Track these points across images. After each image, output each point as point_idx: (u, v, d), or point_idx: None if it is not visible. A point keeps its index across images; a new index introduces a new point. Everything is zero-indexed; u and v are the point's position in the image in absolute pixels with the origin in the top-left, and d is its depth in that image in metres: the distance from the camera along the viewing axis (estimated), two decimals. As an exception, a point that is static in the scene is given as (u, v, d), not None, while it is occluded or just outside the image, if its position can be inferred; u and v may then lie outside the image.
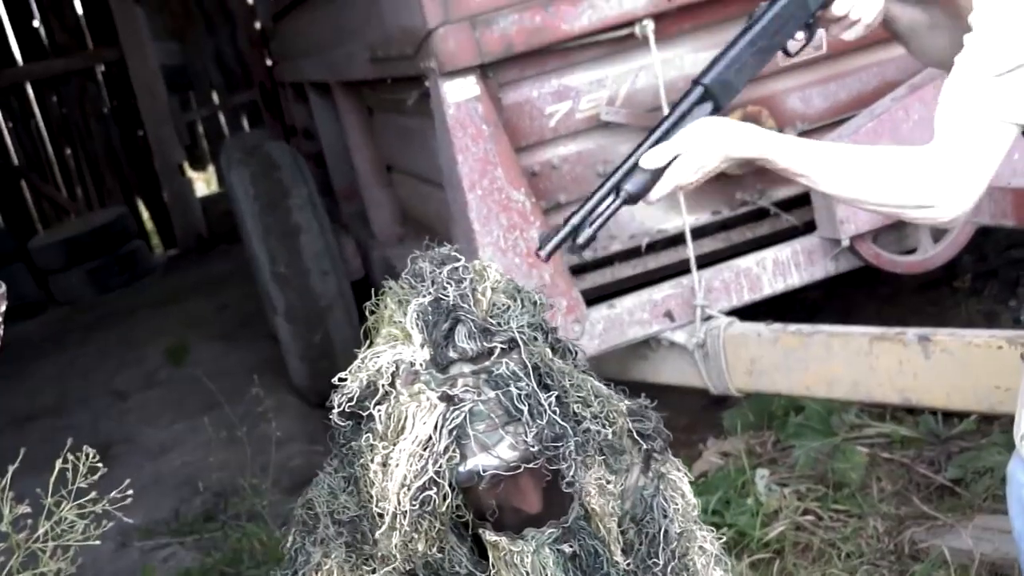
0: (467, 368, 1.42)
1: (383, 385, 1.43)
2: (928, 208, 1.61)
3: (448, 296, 1.44)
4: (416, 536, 1.43)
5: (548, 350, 1.50)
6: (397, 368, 1.43)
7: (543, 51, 2.91)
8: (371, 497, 1.45)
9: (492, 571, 1.49)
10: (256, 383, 3.83)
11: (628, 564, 1.57)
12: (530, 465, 1.40)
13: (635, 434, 1.61)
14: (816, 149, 1.66)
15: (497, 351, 1.43)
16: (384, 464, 1.41)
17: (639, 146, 1.68)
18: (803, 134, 3.13)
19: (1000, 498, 2.75)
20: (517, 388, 1.40)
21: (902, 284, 3.89)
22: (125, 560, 3.63)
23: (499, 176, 2.86)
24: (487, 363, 1.42)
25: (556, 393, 1.44)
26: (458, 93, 2.83)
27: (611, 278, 3.20)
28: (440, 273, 1.47)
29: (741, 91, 1.72)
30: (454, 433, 1.39)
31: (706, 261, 3.15)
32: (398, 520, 1.41)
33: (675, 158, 1.65)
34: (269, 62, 6.50)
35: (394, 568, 1.50)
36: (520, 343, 1.43)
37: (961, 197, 1.60)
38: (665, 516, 1.60)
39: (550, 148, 3.07)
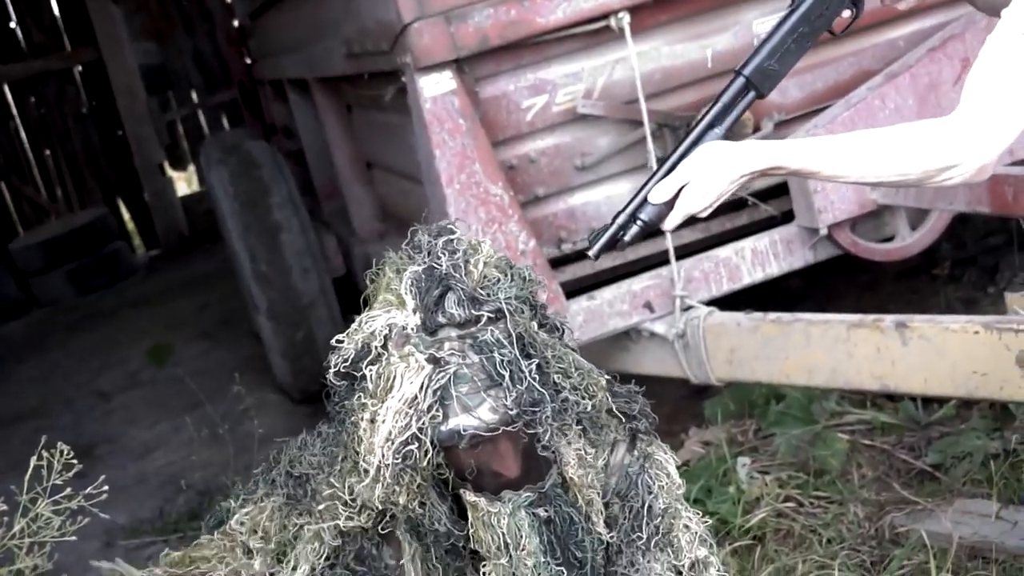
0: (454, 333, 1.50)
1: (376, 347, 1.50)
2: (953, 168, 1.61)
3: (441, 265, 1.52)
4: (397, 489, 1.49)
5: (534, 324, 1.56)
6: (390, 331, 1.51)
7: (519, 45, 2.91)
8: (358, 453, 1.51)
9: (470, 531, 1.54)
10: (238, 381, 3.84)
11: (612, 537, 1.62)
12: (508, 428, 1.48)
13: (621, 414, 1.66)
14: (824, 144, 1.67)
15: (484, 319, 1.50)
16: (372, 421, 1.49)
17: (679, 145, 1.70)
18: (779, 124, 3.14)
19: (979, 482, 2.78)
20: (500, 354, 1.48)
21: (881, 272, 3.92)
22: (110, 559, 3.62)
23: (477, 170, 2.87)
24: (473, 330, 1.49)
25: (537, 362, 1.51)
26: (434, 88, 2.84)
27: (591, 270, 3.20)
28: (436, 244, 1.54)
29: (783, 74, 1.72)
30: (438, 393, 1.47)
31: (685, 252, 3.16)
32: (381, 472, 1.48)
33: (683, 188, 1.66)
34: (248, 60, 6.48)
35: (334, 523, 1.57)
36: (506, 313, 1.50)
37: (984, 150, 1.60)
38: (650, 492, 1.66)
39: (527, 142, 3.07)
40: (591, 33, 2.94)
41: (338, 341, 1.55)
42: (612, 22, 2.90)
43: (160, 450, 4.56)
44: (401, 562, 1.60)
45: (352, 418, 1.53)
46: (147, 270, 8.86)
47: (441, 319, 1.49)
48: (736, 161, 1.66)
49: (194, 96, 9.84)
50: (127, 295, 7.93)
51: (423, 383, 1.46)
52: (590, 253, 1.70)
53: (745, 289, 3.21)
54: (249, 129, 6.76)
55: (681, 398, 3.59)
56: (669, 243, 3.05)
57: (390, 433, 1.47)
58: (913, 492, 2.81)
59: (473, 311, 1.50)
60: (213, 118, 9.80)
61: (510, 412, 1.47)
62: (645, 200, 1.68)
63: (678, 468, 3.06)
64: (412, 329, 1.50)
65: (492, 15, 2.83)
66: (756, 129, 3.11)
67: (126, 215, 9.66)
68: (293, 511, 1.59)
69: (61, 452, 1.59)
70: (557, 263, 3.11)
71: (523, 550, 1.51)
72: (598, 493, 1.63)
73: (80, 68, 9.34)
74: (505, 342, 1.49)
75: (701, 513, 2.79)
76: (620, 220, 1.68)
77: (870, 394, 3.10)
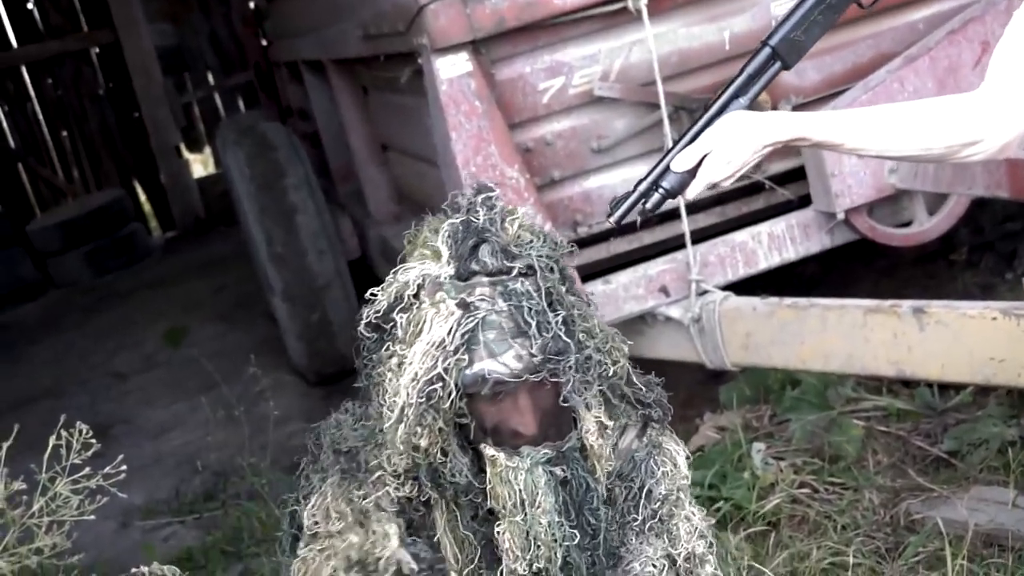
0: (486, 280, 1.52)
1: (409, 296, 1.54)
2: (977, 144, 1.61)
3: (479, 219, 1.54)
4: (419, 430, 1.52)
5: (562, 287, 1.58)
6: (423, 281, 1.53)
7: (535, 26, 2.90)
8: (384, 402, 1.55)
9: (488, 486, 1.55)
10: (253, 363, 3.85)
11: (609, 514, 1.63)
12: (533, 377, 1.50)
13: (635, 399, 1.67)
14: (848, 117, 1.67)
15: (515, 272, 1.52)
16: (399, 365, 1.52)
17: (704, 113, 1.68)
18: (797, 107, 3.13)
19: (995, 469, 2.77)
20: (529, 304, 1.50)
21: (899, 257, 3.90)
22: (127, 540, 3.65)
23: (493, 153, 2.86)
24: (505, 279, 1.51)
25: (563, 315, 1.53)
26: (450, 69, 2.83)
27: (607, 254, 3.21)
28: (475, 200, 1.57)
29: (811, 48, 1.70)
30: (466, 337, 1.49)
31: (701, 236, 3.15)
32: (404, 412, 1.51)
33: (705, 156, 1.64)
34: (264, 42, 6.48)
35: (386, 490, 1.60)
36: (537, 269, 1.53)
37: (1008, 127, 1.59)
38: (652, 476, 1.67)
39: (544, 124, 3.06)
40: (608, 14, 2.93)
41: (372, 294, 1.58)
42: (629, 3, 2.88)
43: (176, 431, 4.58)
44: (436, 538, 1.63)
45: (379, 368, 1.56)
46: (163, 252, 8.90)
47: (474, 267, 1.52)
48: (760, 131, 1.64)
49: (210, 78, 9.86)
50: (143, 277, 7.96)
51: (452, 327, 1.49)
52: (611, 220, 1.68)
53: (761, 274, 3.20)
54: (265, 111, 6.77)
55: (696, 383, 3.58)
56: (685, 227, 3.04)
57: (416, 374, 1.50)
58: (929, 479, 2.80)
59: (506, 262, 1.52)
60: (229, 100, 9.81)
61: (535, 360, 1.49)
62: (668, 168, 1.66)
63: (693, 454, 3.06)
64: (445, 278, 1.53)
65: (509, -4, 2.83)
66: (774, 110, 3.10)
67: (142, 197, 9.70)
68: (352, 484, 1.61)
69: (80, 432, 1.60)
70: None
71: (538, 507, 1.53)
72: (609, 467, 1.64)
73: (97, 49, 9.36)
74: (534, 294, 1.51)
75: (714, 500, 2.83)
76: (642, 188, 1.66)
77: (886, 380, 3.09)
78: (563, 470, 1.55)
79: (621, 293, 3.07)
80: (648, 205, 1.66)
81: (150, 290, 7.36)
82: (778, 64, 1.71)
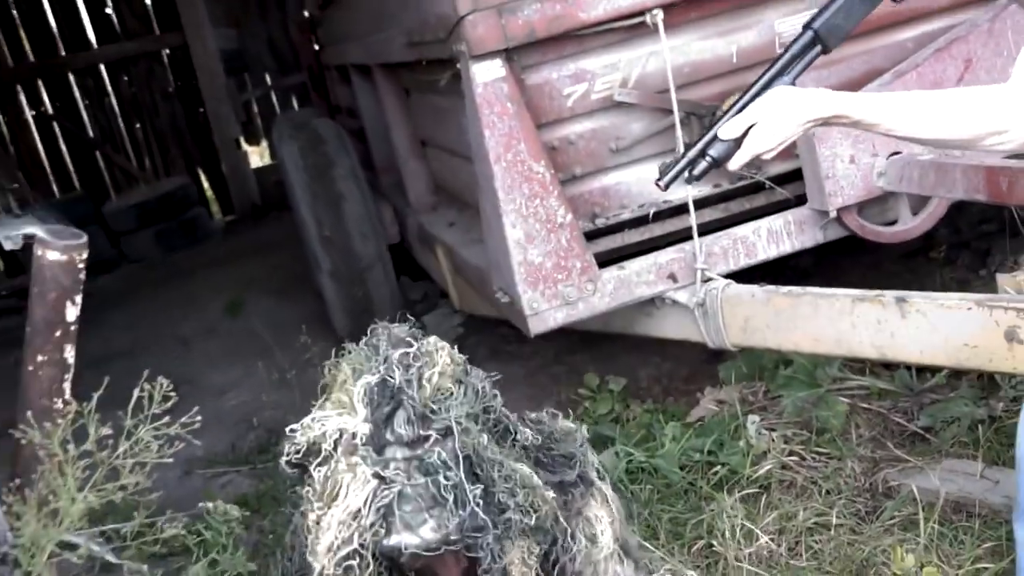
0: (401, 452, 1.39)
1: (326, 448, 1.41)
2: (1002, 134, 1.55)
3: (395, 379, 1.41)
4: None
5: (484, 436, 1.44)
6: (340, 436, 1.40)
7: (562, 37, 2.89)
8: (306, 545, 1.42)
9: None
10: (304, 333, 3.88)
11: None
12: (451, 548, 1.37)
13: (557, 486, 1.55)
14: (885, 101, 1.62)
15: (432, 438, 1.39)
16: (317, 523, 1.40)
17: (744, 93, 1.61)
18: None
19: (965, 444, 2.77)
20: (446, 477, 1.37)
21: (884, 253, 3.88)
22: (189, 486, 3.69)
23: (522, 150, 2.86)
24: (420, 451, 1.38)
25: (483, 485, 1.40)
26: (486, 74, 2.82)
27: (621, 243, 3.18)
28: (392, 355, 1.43)
29: (850, 34, 1.65)
30: (382, 511, 1.37)
31: (707, 229, 3.13)
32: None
33: (751, 127, 1.58)
34: (316, 47, 6.49)
35: None
36: (455, 433, 1.39)
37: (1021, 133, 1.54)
38: (567, 553, 1.54)
39: (568, 125, 3.05)
40: (628, 28, 2.91)
41: (291, 430, 1.46)
42: (647, 18, 2.86)
43: (234, 391, 4.61)
44: None
45: (302, 508, 1.44)
46: (223, 234, 8.93)
47: (390, 437, 1.39)
48: (804, 107, 1.58)
49: (268, 78, 9.87)
50: (205, 255, 8.00)
51: (367, 498, 1.37)
52: (660, 184, 1.60)
53: (760, 264, 3.17)
54: (316, 108, 6.78)
55: (699, 361, 3.58)
56: (693, 221, 3.03)
57: (332, 543, 1.38)
58: (905, 451, 2.81)
59: (421, 431, 1.39)
60: (284, 98, 9.83)
61: (451, 536, 1.37)
62: (715, 137, 1.58)
63: (694, 423, 3.06)
64: (361, 439, 1.39)
65: (539, 9, 2.81)
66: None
67: (205, 184, 9.73)
68: None
69: (160, 385, 1.62)
70: (592, 236, 3.10)
71: None
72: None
73: (167, 51, 9.38)
74: (452, 464, 1.38)
75: (712, 465, 2.82)
76: (690, 156, 1.59)
77: (869, 362, 3.08)
78: None
79: (634, 278, 3.05)
80: (695, 172, 1.60)
81: (211, 267, 7.40)
82: (819, 48, 1.65)
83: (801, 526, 2.55)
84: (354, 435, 1.40)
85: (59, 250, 1.77)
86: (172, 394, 1.64)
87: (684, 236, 3.10)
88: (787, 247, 3.14)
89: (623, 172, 3.13)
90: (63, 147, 9.25)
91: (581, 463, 1.59)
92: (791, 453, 2.86)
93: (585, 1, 2.83)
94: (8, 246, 1.74)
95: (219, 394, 4.64)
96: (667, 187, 1.62)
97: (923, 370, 3.04)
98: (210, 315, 6.04)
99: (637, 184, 3.14)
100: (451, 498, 1.37)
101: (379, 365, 1.43)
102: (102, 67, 9.25)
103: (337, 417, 1.43)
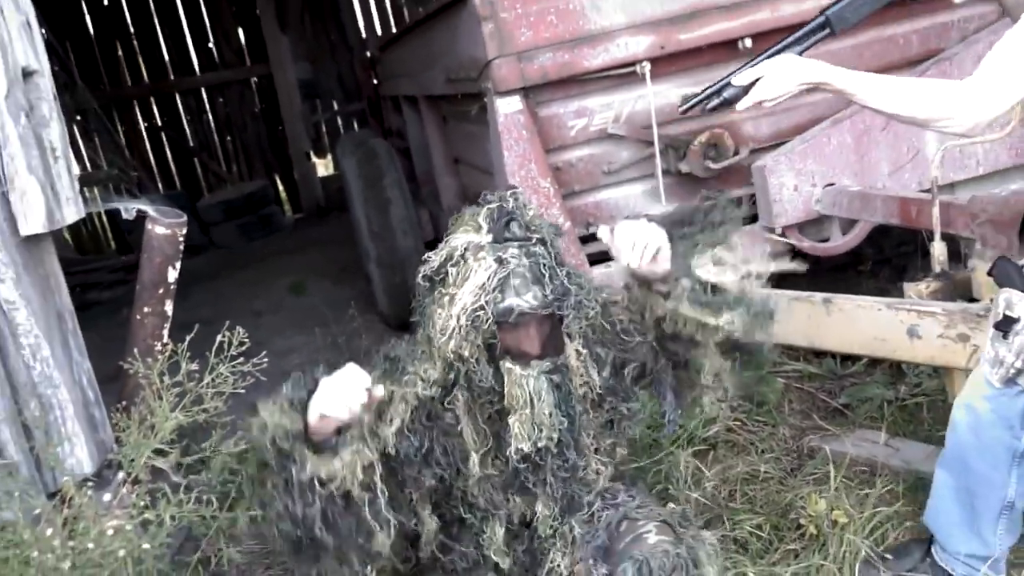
0: (514, 245, 1.58)
1: (458, 255, 1.60)
2: (951, 120, 1.59)
3: (508, 204, 1.61)
4: (465, 344, 1.59)
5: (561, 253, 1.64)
6: (469, 245, 1.60)
7: (569, 80, 2.94)
8: (435, 325, 1.61)
9: (505, 390, 1.62)
10: (353, 309, 3.92)
11: (581, 411, 1.70)
12: (544, 311, 1.57)
13: (604, 339, 1.73)
14: (866, 78, 1.65)
15: (534, 240, 1.59)
16: (451, 300, 1.59)
17: (760, 54, 1.64)
18: (753, 151, 3.14)
19: (875, 419, 2.79)
20: (543, 261, 1.58)
21: (820, 267, 3.87)
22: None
23: (533, 168, 2.91)
24: (527, 244, 1.58)
25: (567, 271, 1.61)
26: (507, 107, 2.88)
27: (607, 247, 3.22)
28: (505, 192, 1.65)
29: (855, 24, 1.66)
30: (500, 282, 1.56)
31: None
32: (455, 331, 1.58)
33: (758, 79, 1.64)
34: (375, 81, 6.54)
35: (415, 390, 1.63)
36: (547, 240, 1.61)
37: (976, 112, 1.57)
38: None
39: (570, 151, 3.09)
40: (621, 75, 2.96)
41: (426, 258, 1.64)
42: (637, 68, 2.92)
43: (295, 353, 4.63)
44: (459, 427, 1.68)
45: (431, 307, 1.62)
46: (293, 228, 8.96)
47: (507, 235, 1.58)
48: (802, 71, 1.62)
49: (335, 105, 9.94)
50: (278, 245, 8.01)
51: (490, 275, 1.56)
52: (679, 109, 1.69)
53: None
54: (372, 130, 6.83)
55: None
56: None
57: (465, 305, 1.56)
58: (827, 423, 2.84)
59: (528, 233, 1.59)
60: (347, 121, 9.88)
61: (547, 298, 1.56)
62: (728, 83, 1.64)
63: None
64: (485, 243, 1.59)
65: (551, 57, 2.87)
66: (735, 153, 3.11)
67: (280, 187, 9.81)
68: (387, 380, 1.66)
69: (237, 333, 1.70)
70: (585, 240, 3.15)
71: (542, 402, 1.60)
72: (584, 382, 1.71)
73: (256, 79, 9.47)
74: (547, 254, 1.59)
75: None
76: (707, 93, 1.65)
77: (802, 351, 3.11)
78: (557, 378, 1.63)
79: (616, 274, 3.09)
80: (709, 107, 1.68)
81: (282, 255, 7.42)
82: (827, 30, 1.66)
83: (739, 476, 2.58)
84: (479, 243, 1.59)
85: (165, 225, 1.86)
86: (246, 340, 1.71)
87: (659, 243, 3.14)
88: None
89: (612, 191, 3.18)
90: (168, 153, 9.36)
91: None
92: (735, 420, 2.88)
93: (588, 52, 2.88)
94: (125, 216, 1.83)
95: (283, 355, 4.65)
96: (684, 113, 1.72)
97: (846, 359, 3.06)
98: (277, 293, 6.06)
99: (624, 199, 3.18)
100: (547, 275, 1.57)
101: (496, 198, 1.62)
102: (203, 90, 9.36)
103: (464, 235, 1.61)
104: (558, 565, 1.73)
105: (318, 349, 4.30)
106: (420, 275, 1.65)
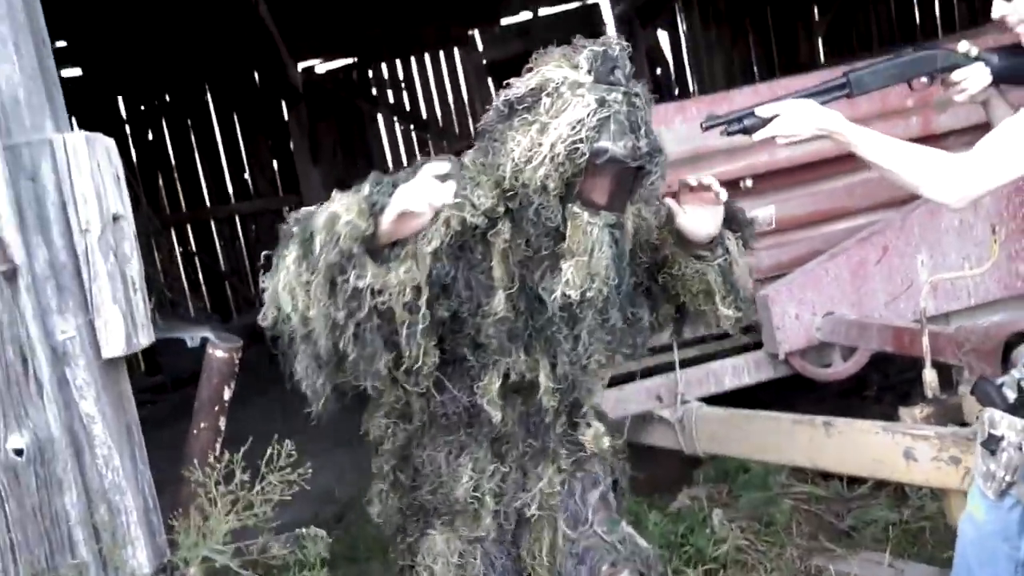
0: (617, 90, 1.52)
1: (552, 87, 1.52)
2: (936, 192, 1.69)
3: (614, 50, 1.54)
4: (553, 174, 1.51)
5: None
6: (566, 79, 1.52)
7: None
8: (511, 152, 1.52)
9: (568, 234, 1.56)
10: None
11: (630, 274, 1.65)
12: (634, 163, 1.51)
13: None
14: (873, 136, 1.75)
15: (635, 91, 1.53)
16: (541, 130, 1.50)
17: (784, 96, 1.75)
18: (755, 282, 3.32)
19: (880, 540, 2.83)
20: (644, 113, 1.52)
21: (827, 392, 3.94)
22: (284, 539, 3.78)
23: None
24: (630, 93, 1.52)
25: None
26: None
27: (622, 370, 3.30)
28: (610, 39, 1.56)
29: (870, 89, 1.78)
30: (600, 121, 1.49)
31: (686, 363, 3.31)
32: (546, 160, 1.50)
33: (776, 116, 1.74)
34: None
35: (466, 213, 1.55)
36: (644, 97, 1.55)
37: (961, 190, 1.68)
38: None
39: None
40: (729, 186, 3.10)
41: (507, 83, 1.56)
42: (741, 183, 3.07)
43: (319, 473, 4.67)
44: (489, 263, 1.60)
45: (510, 132, 1.54)
46: (317, 349, 9.03)
47: (611, 79, 1.51)
48: (820, 117, 1.72)
49: (361, 232, 10.24)
50: (302, 366, 8.05)
51: (591, 111, 1.48)
52: (703, 126, 1.75)
53: (727, 393, 3.32)
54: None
55: (678, 464, 3.63)
56: (675, 356, 3.19)
57: (561, 136, 1.49)
58: (834, 544, 2.88)
59: (631, 79, 1.52)
60: (372, 248, 10.18)
61: (640, 151, 1.51)
62: (751, 113, 1.74)
63: (673, 513, 3.13)
64: (586, 82, 1.51)
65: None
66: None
67: (306, 310, 9.97)
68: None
69: (285, 445, 1.88)
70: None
71: (602, 252, 1.54)
72: (638, 245, 1.71)
73: (288, 208, 9.71)
74: (648, 108, 1.53)
75: (683, 545, 2.89)
76: (730, 119, 1.74)
77: (810, 473, 3.16)
78: (618, 234, 1.57)
79: (630, 398, 3.22)
80: (730, 131, 1.75)
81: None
82: (847, 90, 1.78)
83: (749, 596, 2.62)
84: (579, 81, 1.50)
85: (224, 350, 2.10)
86: (293, 452, 1.88)
87: (669, 367, 3.27)
88: (748, 380, 3.30)
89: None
90: (200, 275, 9.70)
91: None
92: (744, 539, 2.93)
93: (704, 169, 2.96)
94: (191, 344, 2.06)
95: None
96: (706, 131, 1.76)
97: (852, 481, 3.12)
98: (302, 410, 6.10)
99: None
100: (643, 128, 1.50)
101: (598, 43, 1.56)
102: (237, 218, 9.71)
103: (560, 70, 1.52)
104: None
105: (343, 469, 4.38)
106: (501, 98, 1.55)
